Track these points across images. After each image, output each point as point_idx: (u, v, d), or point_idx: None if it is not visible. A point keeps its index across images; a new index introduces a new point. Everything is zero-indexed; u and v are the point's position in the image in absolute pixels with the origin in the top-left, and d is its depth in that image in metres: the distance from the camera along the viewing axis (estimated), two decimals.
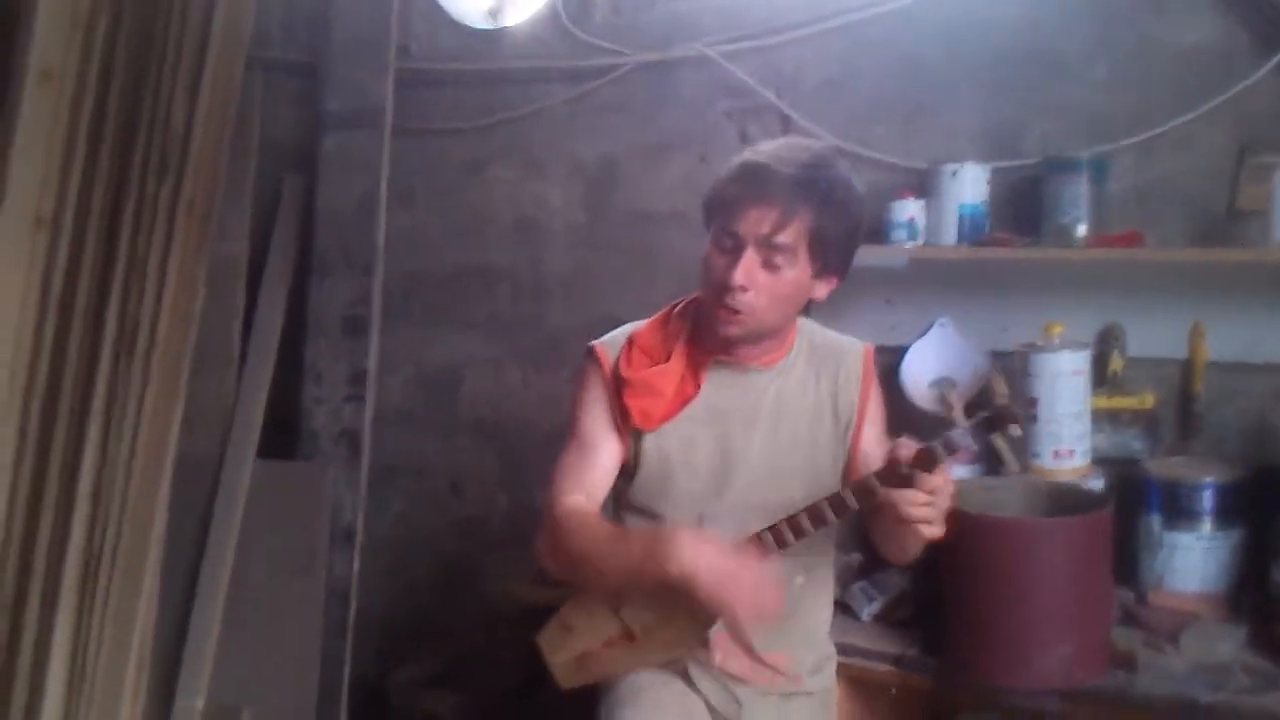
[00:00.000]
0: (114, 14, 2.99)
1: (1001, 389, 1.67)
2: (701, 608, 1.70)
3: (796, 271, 1.78)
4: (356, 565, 3.08)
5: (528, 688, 2.71)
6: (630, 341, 1.95)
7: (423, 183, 3.29)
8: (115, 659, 2.82)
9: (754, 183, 1.76)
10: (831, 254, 1.79)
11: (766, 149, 1.81)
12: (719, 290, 1.78)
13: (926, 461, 1.65)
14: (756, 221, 1.74)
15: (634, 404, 1.89)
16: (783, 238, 1.74)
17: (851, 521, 1.90)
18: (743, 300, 1.77)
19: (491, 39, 3.08)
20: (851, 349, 1.98)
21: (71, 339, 2.92)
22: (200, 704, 2.91)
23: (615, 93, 3.02)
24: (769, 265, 1.76)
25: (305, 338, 3.22)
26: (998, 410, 1.65)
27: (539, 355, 3.20)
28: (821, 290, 1.85)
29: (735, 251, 1.76)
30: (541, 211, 3.16)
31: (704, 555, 1.67)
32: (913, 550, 1.80)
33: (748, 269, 1.75)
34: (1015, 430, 1.66)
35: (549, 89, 3.10)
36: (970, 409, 1.70)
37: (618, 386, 1.91)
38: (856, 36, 2.72)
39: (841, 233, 1.78)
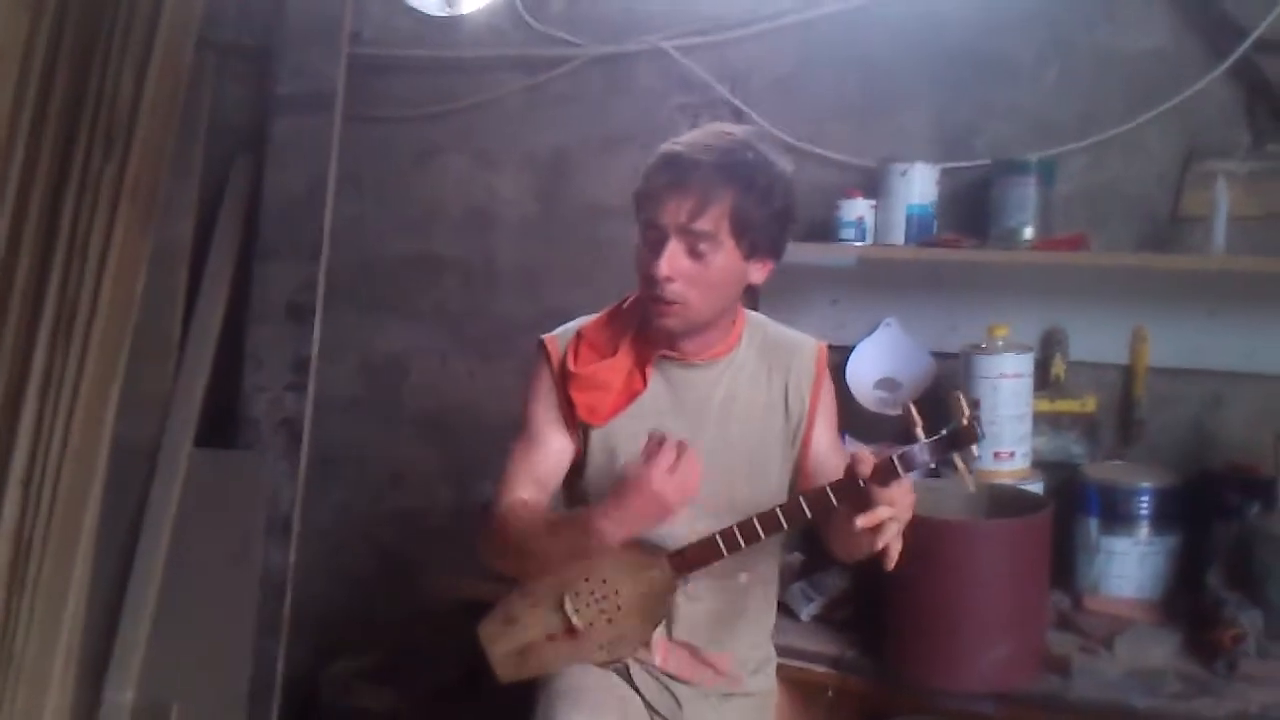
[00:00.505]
0: None
1: (962, 407, 1.64)
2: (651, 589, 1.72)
3: (722, 257, 1.75)
4: (293, 556, 3.02)
5: (465, 684, 2.69)
6: (578, 335, 1.93)
7: (372, 170, 3.26)
8: (44, 648, 2.77)
9: (671, 172, 1.74)
10: (759, 236, 1.77)
11: (686, 138, 1.80)
12: (649, 282, 1.77)
13: (884, 477, 1.63)
14: (675, 210, 1.73)
15: (580, 399, 1.88)
16: (702, 224, 1.72)
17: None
18: (671, 291, 1.75)
19: (446, 26, 3.04)
20: (804, 346, 1.96)
21: (9, 319, 2.87)
22: (129, 698, 2.86)
23: (569, 84, 3.00)
24: (693, 253, 1.74)
25: (247, 323, 3.17)
26: (958, 428, 1.63)
27: (486, 347, 3.17)
28: (756, 274, 1.83)
29: (659, 243, 1.75)
30: (492, 202, 3.14)
31: (621, 514, 1.70)
32: (862, 556, 1.78)
33: (671, 259, 1.74)
34: (974, 450, 1.65)
35: (503, 78, 3.07)
36: (923, 414, 1.67)
37: (565, 380, 1.90)
38: (810, 35, 2.72)
39: (767, 214, 1.76)
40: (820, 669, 2.19)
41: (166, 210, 3.10)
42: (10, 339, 2.85)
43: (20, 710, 2.68)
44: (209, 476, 3.04)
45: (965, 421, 1.62)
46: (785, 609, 2.35)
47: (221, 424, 3.16)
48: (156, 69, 3.01)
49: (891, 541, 1.64)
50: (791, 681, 2.16)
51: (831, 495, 1.68)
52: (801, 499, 1.74)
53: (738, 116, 2.76)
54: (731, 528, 1.76)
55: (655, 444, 1.70)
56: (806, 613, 2.35)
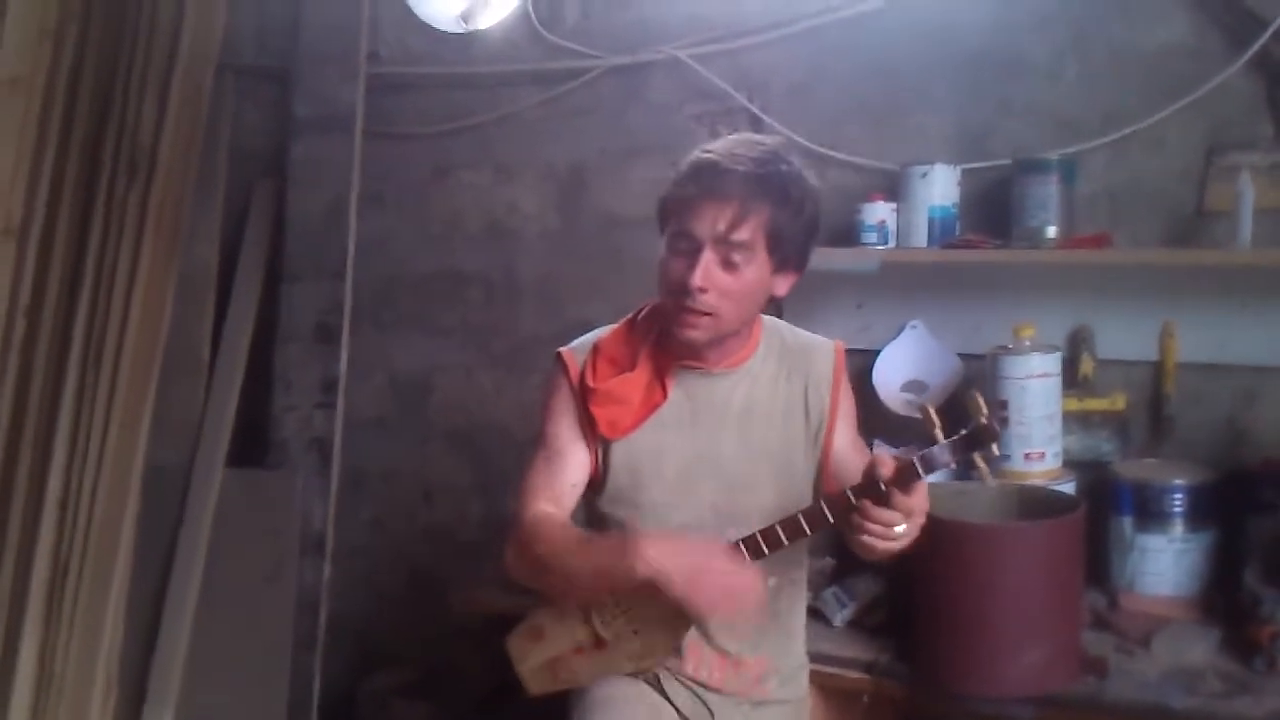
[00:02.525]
0: (83, 22, 2.99)
1: (980, 406, 1.64)
2: (675, 607, 1.68)
3: (756, 268, 1.75)
4: (326, 574, 3.04)
5: (498, 697, 2.69)
6: (595, 349, 1.92)
7: (393, 187, 3.27)
8: (83, 668, 2.80)
9: (708, 181, 1.73)
10: (790, 249, 1.77)
11: (718, 147, 1.78)
12: (678, 293, 1.75)
13: (904, 480, 1.62)
14: (713, 220, 1.71)
15: (600, 413, 1.86)
16: (740, 235, 1.71)
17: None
18: (704, 302, 1.74)
19: (461, 43, 3.05)
20: (822, 348, 1.95)
21: (39, 348, 2.90)
22: (169, 715, 2.89)
23: (585, 97, 3.01)
24: (727, 264, 1.73)
25: (275, 345, 3.19)
26: (978, 428, 1.63)
27: (511, 361, 3.18)
28: (781, 286, 1.83)
29: (692, 253, 1.73)
30: (512, 216, 3.14)
31: (671, 553, 1.65)
32: (883, 557, 1.77)
33: (707, 269, 1.72)
34: (994, 449, 1.64)
35: (519, 93, 3.08)
36: (942, 415, 1.67)
37: (584, 395, 1.88)
38: (826, 39, 2.71)
39: (799, 227, 1.76)
40: (854, 675, 2.18)
41: (191, 235, 3.13)
42: (43, 365, 2.89)
43: None
44: (241, 497, 3.07)
45: (984, 420, 1.62)
46: (818, 615, 2.34)
47: (252, 445, 3.18)
48: (177, 95, 3.05)
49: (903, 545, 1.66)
50: (826, 688, 2.15)
51: (853, 498, 1.67)
52: (823, 503, 1.73)
53: (756, 124, 2.76)
54: (754, 535, 1.76)
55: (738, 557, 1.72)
56: (840, 618, 2.35)
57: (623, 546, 1.69)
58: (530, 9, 2.99)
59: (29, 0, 2.84)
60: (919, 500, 1.64)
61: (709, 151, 1.76)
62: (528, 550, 1.81)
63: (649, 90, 2.93)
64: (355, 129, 3.17)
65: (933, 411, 1.67)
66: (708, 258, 1.72)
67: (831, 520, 1.72)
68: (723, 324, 1.78)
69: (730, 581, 1.67)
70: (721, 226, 1.71)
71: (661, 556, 1.65)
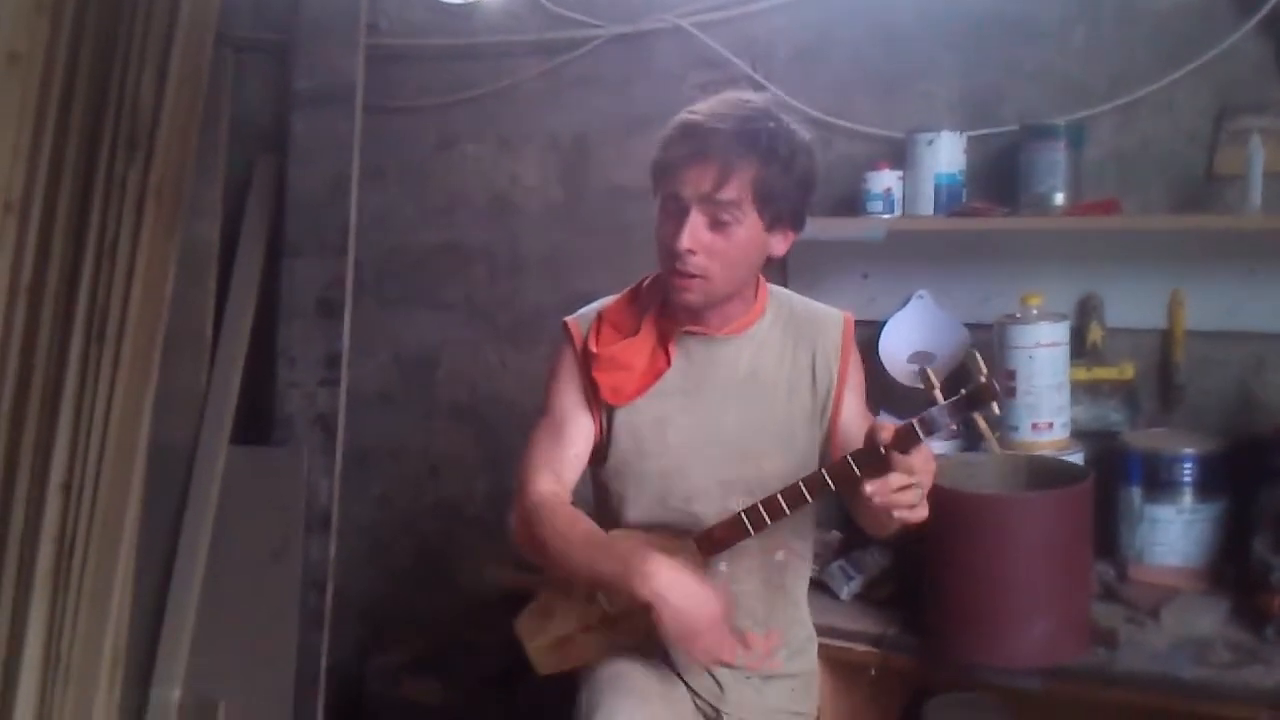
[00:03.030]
0: None
1: (979, 365, 1.62)
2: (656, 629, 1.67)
3: (746, 228, 1.73)
4: (333, 550, 3.05)
5: (510, 673, 2.69)
6: (599, 316, 1.91)
7: (395, 161, 3.25)
8: (90, 648, 2.80)
9: (691, 141, 1.71)
10: (781, 206, 1.75)
11: (703, 107, 1.76)
12: (669, 256, 1.74)
13: (904, 442, 1.60)
14: (696, 181, 1.70)
15: (603, 379, 1.86)
16: (725, 194, 1.70)
17: (831, 499, 1.86)
18: (694, 263, 1.73)
19: (462, 13, 3.03)
20: (830, 318, 1.93)
21: (42, 325, 2.89)
22: (176, 694, 2.89)
23: (588, 66, 2.97)
24: (716, 224, 1.72)
25: (278, 321, 3.18)
26: (977, 387, 1.61)
27: (516, 335, 3.16)
28: (779, 245, 1.81)
29: (680, 215, 1.72)
30: (515, 188, 3.12)
31: (676, 588, 1.64)
32: (892, 529, 1.75)
33: (694, 231, 1.71)
34: (995, 408, 1.62)
35: (521, 63, 3.05)
36: (949, 385, 1.64)
37: (587, 361, 1.88)
38: (831, 5, 2.67)
39: (789, 183, 1.74)
40: (862, 648, 2.17)
41: (192, 211, 3.11)
42: (45, 345, 2.88)
43: (70, 711, 2.72)
44: (247, 474, 3.07)
45: (982, 379, 1.60)
46: (825, 588, 2.33)
47: (256, 422, 3.18)
48: (176, 70, 3.02)
49: (917, 506, 1.62)
50: (834, 661, 2.14)
51: (854, 464, 1.66)
52: (824, 471, 1.72)
53: (760, 92, 2.73)
54: (756, 505, 1.75)
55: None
56: (847, 591, 2.34)
57: (628, 561, 1.68)
58: None
59: None
60: (921, 461, 1.62)
61: (693, 112, 1.75)
62: (532, 530, 1.81)
63: (652, 59, 2.90)
64: (356, 102, 3.15)
65: (931, 374, 1.66)
66: (694, 219, 1.71)
67: (833, 486, 1.71)
68: (714, 285, 1.77)
69: (716, 637, 1.68)
70: (706, 186, 1.70)
71: (667, 588, 1.63)
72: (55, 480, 2.82)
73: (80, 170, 2.95)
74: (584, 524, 1.80)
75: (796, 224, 1.81)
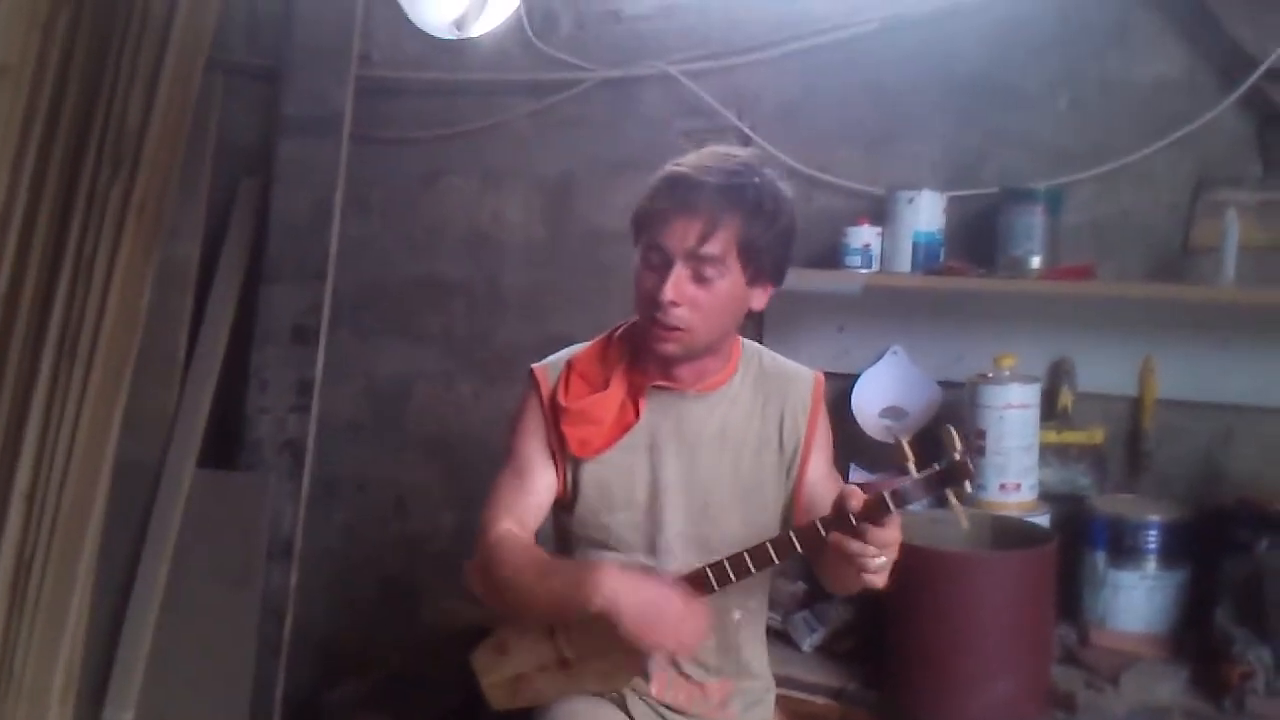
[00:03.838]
0: (74, 12, 2.96)
1: (955, 442, 1.61)
2: (626, 640, 1.65)
3: (728, 282, 1.73)
4: (294, 579, 3.02)
5: (466, 710, 2.66)
6: (569, 366, 1.90)
7: (379, 192, 3.25)
8: (44, 665, 2.77)
9: (677, 194, 1.71)
10: (764, 260, 1.75)
11: (689, 160, 1.76)
12: (650, 307, 1.74)
13: (874, 512, 1.58)
14: (682, 234, 1.70)
15: (571, 433, 1.85)
16: (710, 248, 1.70)
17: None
18: (676, 316, 1.72)
19: (454, 49, 3.04)
20: (801, 377, 1.93)
21: (14, 337, 2.87)
22: (129, 718, 2.85)
23: (576, 108, 2.99)
24: (699, 278, 1.72)
25: (252, 345, 3.17)
26: (952, 465, 1.60)
27: (491, 371, 3.15)
28: (758, 300, 1.81)
29: (664, 267, 1.72)
30: (498, 226, 3.13)
31: (626, 589, 1.64)
32: (854, 589, 1.74)
33: (677, 283, 1.71)
34: (969, 486, 1.60)
35: (510, 101, 3.07)
36: (917, 447, 1.63)
37: (555, 414, 1.87)
38: (819, 60, 2.70)
39: (772, 239, 1.74)
40: (821, 701, 2.17)
41: (173, 231, 3.11)
42: (16, 355, 2.86)
43: None
44: (211, 497, 3.04)
45: (958, 457, 1.59)
46: (787, 639, 2.33)
47: (225, 445, 3.16)
48: (165, 90, 3.03)
49: (880, 573, 1.61)
50: (794, 713, 2.13)
51: (822, 530, 1.64)
52: (792, 534, 1.71)
53: (745, 142, 2.74)
54: (722, 562, 1.73)
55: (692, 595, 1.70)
56: (809, 643, 2.33)
57: (580, 576, 1.68)
58: (524, 18, 2.98)
59: None
60: (891, 534, 1.59)
61: (680, 165, 1.75)
62: (490, 572, 1.79)
63: (640, 104, 2.92)
64: (343, 131, 3.16)
65: (906, 445, 1.64)
66: (679, 272, 1.71)
67: (800, 550, 1.70)
68: (695, 338, 1.76)
69: (679, 623, 1.66)
70: (691, 240, 1.70)
71: (616, 591, 1.63)
72: (19, 490, 2.80)
73: (63, 184, 2.95)
74: (538, 552, 1.80)
75: (777, 278, 1.81)
